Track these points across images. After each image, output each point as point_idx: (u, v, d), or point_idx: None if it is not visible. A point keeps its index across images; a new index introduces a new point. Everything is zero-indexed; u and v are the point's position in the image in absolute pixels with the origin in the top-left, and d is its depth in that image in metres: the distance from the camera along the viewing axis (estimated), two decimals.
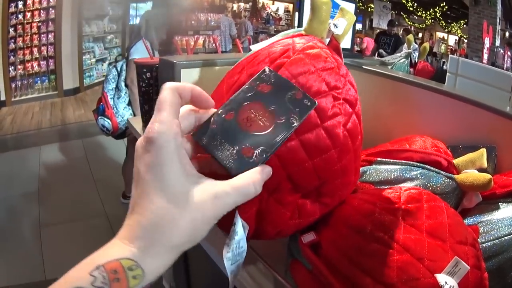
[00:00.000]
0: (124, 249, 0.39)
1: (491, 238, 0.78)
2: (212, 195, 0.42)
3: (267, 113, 0.48)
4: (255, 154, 0.46)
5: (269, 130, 0.47)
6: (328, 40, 0.83)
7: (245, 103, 0.49)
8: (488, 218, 0.82)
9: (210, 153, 0.46)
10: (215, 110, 0.49)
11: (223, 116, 0.48)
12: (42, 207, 3.25)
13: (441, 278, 0.58)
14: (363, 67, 1.29)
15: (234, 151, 0.46)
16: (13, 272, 2.50)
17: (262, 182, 0.46)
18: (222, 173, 0.46)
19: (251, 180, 0.44)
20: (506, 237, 0.77)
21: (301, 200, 0.70)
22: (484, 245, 0.77)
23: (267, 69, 0.53)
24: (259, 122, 0.48)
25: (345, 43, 1.65)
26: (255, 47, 0.96)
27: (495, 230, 0.79)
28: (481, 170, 0.89)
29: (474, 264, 0.64)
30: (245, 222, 0.54)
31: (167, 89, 0.44)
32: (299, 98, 0.50)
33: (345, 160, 0.69)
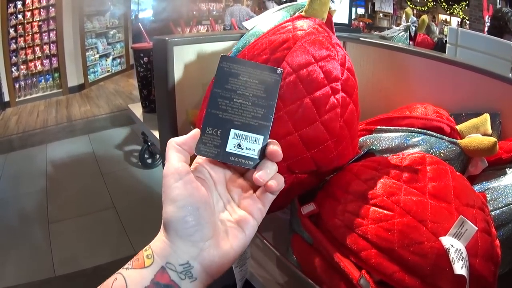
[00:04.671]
0: None
1: (500, 205, 0.75)
2: None
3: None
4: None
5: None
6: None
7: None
8: (496, 184, 0.79)
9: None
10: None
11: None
12: (50, 204, 3.25)
13: (446, 240, 0.55)
14: (361, 39, 1.26)
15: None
16: (23, 270, 2.50)
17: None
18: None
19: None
20: None
21: (299, 175, 0.73)
22: (492, 213, 0.74)
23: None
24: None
25: (343, 19, 1.62)
26: (248, 24, 0.94)
27: (504, 197, 0.75)
28: (485, 136, 0.86)
29: (484, 228, 0.61)
30: None
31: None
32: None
33: (341, 147, 0.72)
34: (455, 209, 0.60)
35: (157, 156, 3.71)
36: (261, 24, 0.87)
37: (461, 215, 0.55)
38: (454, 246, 0.53)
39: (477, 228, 0.55)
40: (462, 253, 0.53)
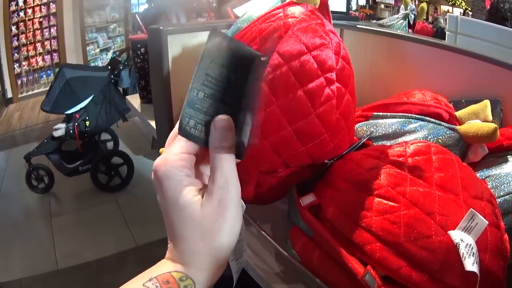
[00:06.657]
0: (175, 265, 0.42)
1: (502, 193, 0.72)
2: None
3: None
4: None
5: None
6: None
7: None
8: (497, 172, 0.76)
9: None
10: None
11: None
12: (52, 198, 3.28)
13: (456, 235, 0.52)
14: (358, 26, 1.24)
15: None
16: (27, 264, 2.52)
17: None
18: None
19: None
20: None
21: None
22: None
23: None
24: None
25: (341, 7, 1.59)
26: (238, 11, 0.91)
27: (505, 185, 0.73)
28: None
29: (493, 222, 0.58)
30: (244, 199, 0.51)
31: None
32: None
33: (338, 139, 0.70)
34: (463, 202, 0.57)
35: (46, 180, 3.37)
36: (253, 9, 0.84)
37: (471, 208, 0.52)
38: (464, 241, 0.50)
39: (488, 222, 0.52)
40: (472, 248, 0.50)
